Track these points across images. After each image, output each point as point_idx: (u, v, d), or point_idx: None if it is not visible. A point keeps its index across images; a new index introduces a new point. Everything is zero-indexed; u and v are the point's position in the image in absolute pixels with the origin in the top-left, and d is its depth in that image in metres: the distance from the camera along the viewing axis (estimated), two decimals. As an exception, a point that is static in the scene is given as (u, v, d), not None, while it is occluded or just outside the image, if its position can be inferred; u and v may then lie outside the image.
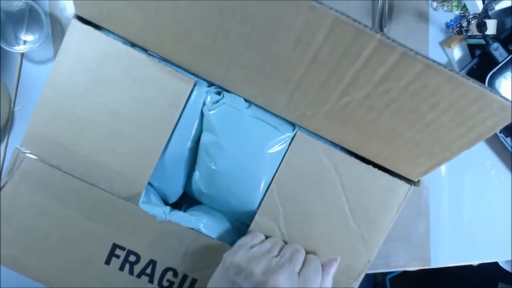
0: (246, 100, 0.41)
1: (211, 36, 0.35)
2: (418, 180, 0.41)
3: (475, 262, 0.63)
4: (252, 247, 0.39)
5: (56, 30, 0.54)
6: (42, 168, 0.40)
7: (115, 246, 0.42)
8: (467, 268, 0.66)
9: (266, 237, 0.42)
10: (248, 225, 0.43)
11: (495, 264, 0.79)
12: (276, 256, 0.39)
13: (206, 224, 0.42)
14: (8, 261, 0.42)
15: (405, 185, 0.40)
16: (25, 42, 0.54)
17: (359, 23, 0.30)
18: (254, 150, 0.41)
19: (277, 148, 0.41)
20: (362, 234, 0.41)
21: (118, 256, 0.42)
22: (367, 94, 0.35)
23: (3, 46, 0.51)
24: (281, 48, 0.34)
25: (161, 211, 0.41)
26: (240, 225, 0.47)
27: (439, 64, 0.31)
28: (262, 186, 0.42)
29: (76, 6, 0.37)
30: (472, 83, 0.32)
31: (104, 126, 0.40)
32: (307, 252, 0.41)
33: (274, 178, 0.41)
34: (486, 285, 0.88)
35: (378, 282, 1.04)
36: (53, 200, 0.41)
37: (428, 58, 0.31)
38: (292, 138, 0.41)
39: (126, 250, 0.42)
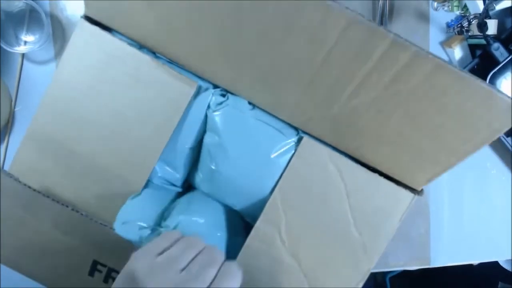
0: (249, 103, 0.40)
1: (224, 34, 0.35)
2: (421, 189, 0.41)
3: (475, 261, 0.63)
4: (160, 253, 0.33)
5: (57, 31, 0.54)
6: (16, 185, 0.40)
7: (95, 263, 0.41)
8: (467, 268, 0.66)
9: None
10: (248, 223, 0.43)
11: (495, 263, 0.79)
12: (183, 270, 0.32)
13: None
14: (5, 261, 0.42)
15: (408, 194, 0.40)
16: (25, 42, 0.54)
17: (373, 23, 0.31)
18: (257, 154, 0.41)
19: (281, 152, 0.40)
20: (364, 243, 0.41)
21: (100, 271, 0.42)
22: (376, 96, 0.35)
23: (3, 46, 0.51)
24: (294, 47, 0.34)
25: (137, 236, 0.40)
26: (238, 220, 0.46)
27: (450, 64, 0.32)
28: (265, 190, 0.42)
29: (86, 6, 0.37)
30: (480, 83, 0.33)
31: (105, 126, 0.40)
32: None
33: (278, 185, 0.41)
34: (486, 285, 0.88)
35: (379, 282, 1.04)
36: (28, 213, 0.40)
37: (439, 58, 0.32)
38: (297, 143, 0.40)
39: (107, 268, 0.41)
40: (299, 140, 0.40)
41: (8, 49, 0.51)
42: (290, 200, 0.41)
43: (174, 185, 0.46)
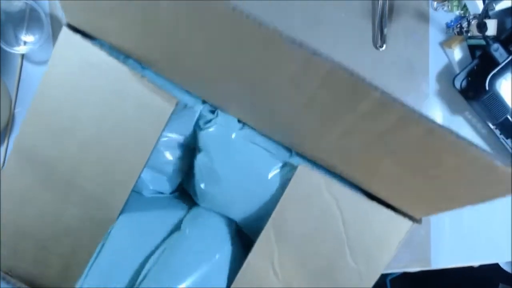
0: (239, 121, 0.39)
1: (203, 66, 0.33)
2: (420, 218, 0.39)
3: (475, 263, 0.63)
4: None
5: (57, 31, 0.54)
6: None
7: None
8: (467, 269, 0.66)
9: None
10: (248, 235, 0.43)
11: (496, 265, 0.79)
12: None
13: None
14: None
15: (407, 222, 0.38)
16: (25, 42, 0.54)
17: (357, 76, 0.27)
18: (248, 177, 0.39)
19: (273, 175, 0.39)
20: (360, 271, 0.39)
21: None
22: (365, 141, 0.33)
23: (3, 46, 0.51)
24: (275, 87, 0.32)
25: None
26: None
27: (444, 128, 0.28)
28: (256, 211, 0.41)
29: (66, 14, 0.35)
30: (478, 151, 0.28)
31: (84, 142, 0.38)
32: None
33: (272, 216, 0.39)
34: (487, 286, 0.88)
35: (379, 284, 1.04)
36: None
37: (432, 122, 0.28)
38: (290, 165, 0.39)
39: None
40: (293, 164, 0.39)
41: (8, 49, 0.51)
42: (284, 231, 0.39)
43: (163, 193, 0.46)
